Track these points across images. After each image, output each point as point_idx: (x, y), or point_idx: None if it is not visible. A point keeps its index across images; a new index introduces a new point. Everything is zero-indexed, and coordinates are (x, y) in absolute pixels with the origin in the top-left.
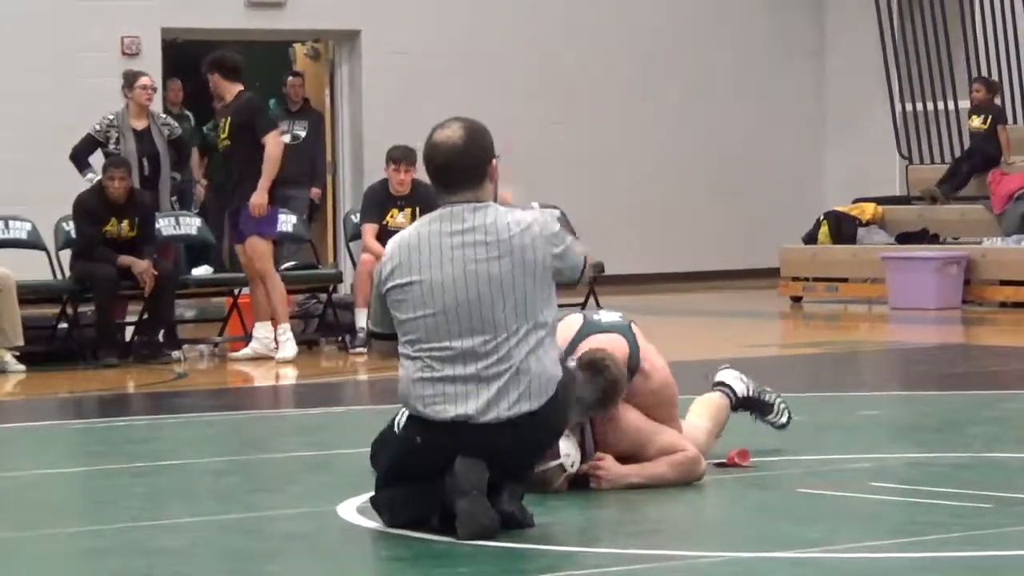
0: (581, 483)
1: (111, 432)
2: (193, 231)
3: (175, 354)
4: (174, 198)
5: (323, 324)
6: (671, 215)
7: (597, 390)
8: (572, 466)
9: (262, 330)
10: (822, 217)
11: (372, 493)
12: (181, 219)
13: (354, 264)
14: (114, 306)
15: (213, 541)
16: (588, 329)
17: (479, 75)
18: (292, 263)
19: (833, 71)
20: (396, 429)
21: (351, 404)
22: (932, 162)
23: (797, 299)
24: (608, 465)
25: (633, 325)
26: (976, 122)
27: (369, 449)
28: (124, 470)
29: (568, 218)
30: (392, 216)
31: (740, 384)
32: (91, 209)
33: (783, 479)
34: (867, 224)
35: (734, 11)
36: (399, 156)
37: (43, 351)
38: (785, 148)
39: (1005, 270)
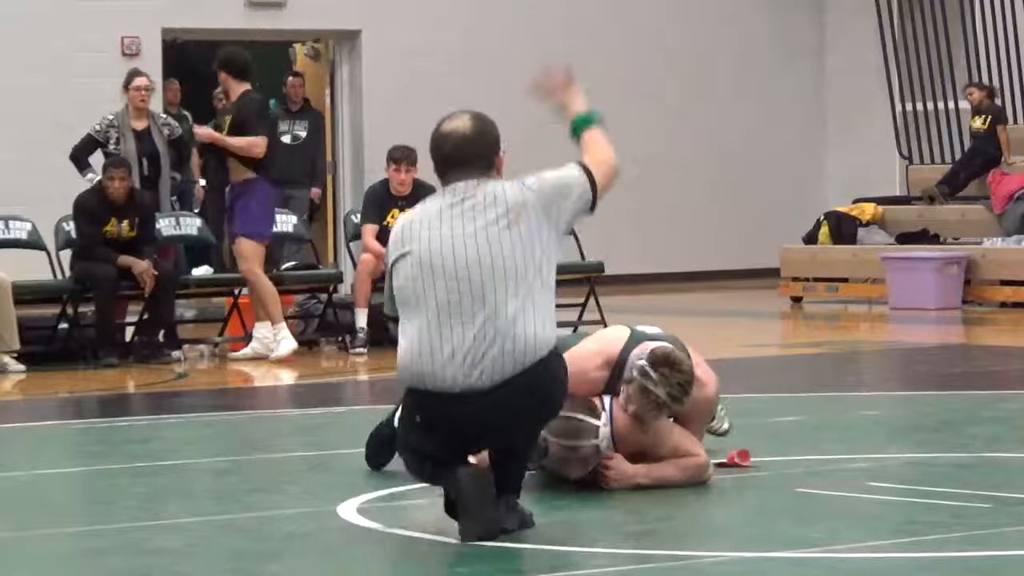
0: (583, 482)
1: (111, 432)
2: (193, 231)
3: (175, 354)
4: (174, 198)
5: (323, 324)
6: (671, 215)
7: (673, 385)
8: (607, 448)
9: (262, 330)
10: (822, 217)
11: (371, 495)
12: (181, 219)
13: (354, 264)
14: (114, 306)
15: (213, 541)
16: (638, 336)
17: (479, 75)
18: (292, 263)
19: (833, 71)
20: (395, 423)
21: (351, 404)
22: (932, 162)
23: (797, 299)
24: (617, 465)
25: (679, 337)
26: (977, 123)
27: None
28: (124, 470)
29: None
30: (393, 216)
31: None
32: (91, 209)
33: (783, 479)
34: (867, 224)
35: (734, 11)
36: (400, 156)
37: (43, 351)
38: (785, 148)
39: (1005, 270)
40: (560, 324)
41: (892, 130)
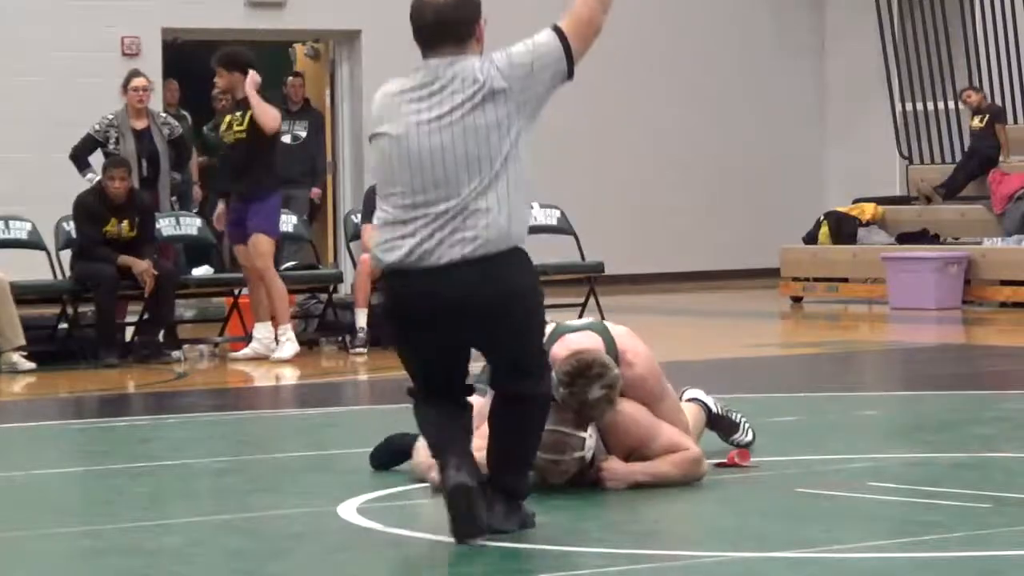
0: (581, 482)
1: (111, 432)
2: (193, 231)
3: (175, 354)
4: (174, 198)
5: (323, 324)
6: (671, 215)
7: (593, 387)
8: (598, 453)
9: (262, 330)
10: (822, 217)
11: (371, 495)
12: (181, 219)
13: (354, 264)
14: (114, 306)
15: (213, 541)
16: (560, 331)
17: None
18: (292, 263)
19: (833, 71)
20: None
21: (351, 404)
22: (932, 162)
23: (797, 299)
24: (611, 466)
25: (608, 323)
26: (975, 121)
27: (369, 449)
28: (124, 470)
29: (568, 218)
30: None
31: (711, 400)
32: (91, 209)
33: (783, 479)
34: (867, 224)
35: (734, 11)
36: None
37: (43, 351)
38: (785, 148)
39: (1005, 270)
40: None
41: (892, 130)
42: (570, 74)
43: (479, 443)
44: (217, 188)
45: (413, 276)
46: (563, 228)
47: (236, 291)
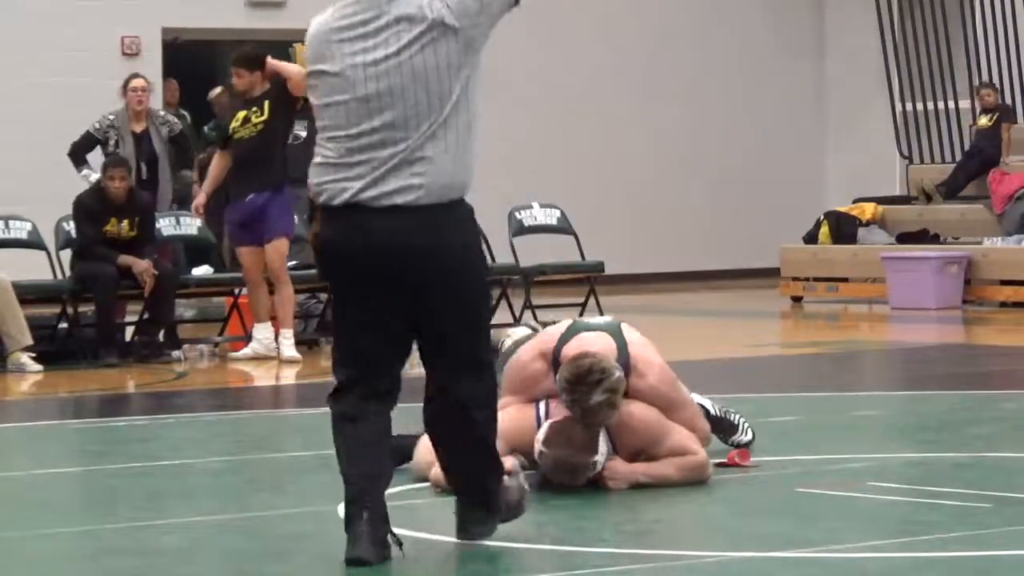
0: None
1: (111, 432)
2: (193, 231)
3: (175, 354)
4: (174, 204)
5: (323, 324)
6: (671, 215)
7: (596, 392)
8: (599, 466)
9: (262, 331)
10: (822, 217)
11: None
12: (181, 219)
13: None
14: (114, 306)
15: (213, 541)
16: (576, 328)
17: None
18: (293, 263)
19: (833, 71)
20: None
21: None
22: (932, 162)
23: (797, 299)
24: (615, 466)
25: (625, 325)
26: (983, 120)
27: None
28: (124, 470)
29: (568, 217)
30: None
31: (708, 403)
32: (91, 209)
33: (783, 479)
34: (867, 224)
35: (734, 11)
36: None
37: (43, 351)
38: (785, 148)
39: (1005, 270)
40: None
41: (892, 130)
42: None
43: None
44: (233, 191)
45: (353, 220)
46: (563, 228)
47: (236, 291)
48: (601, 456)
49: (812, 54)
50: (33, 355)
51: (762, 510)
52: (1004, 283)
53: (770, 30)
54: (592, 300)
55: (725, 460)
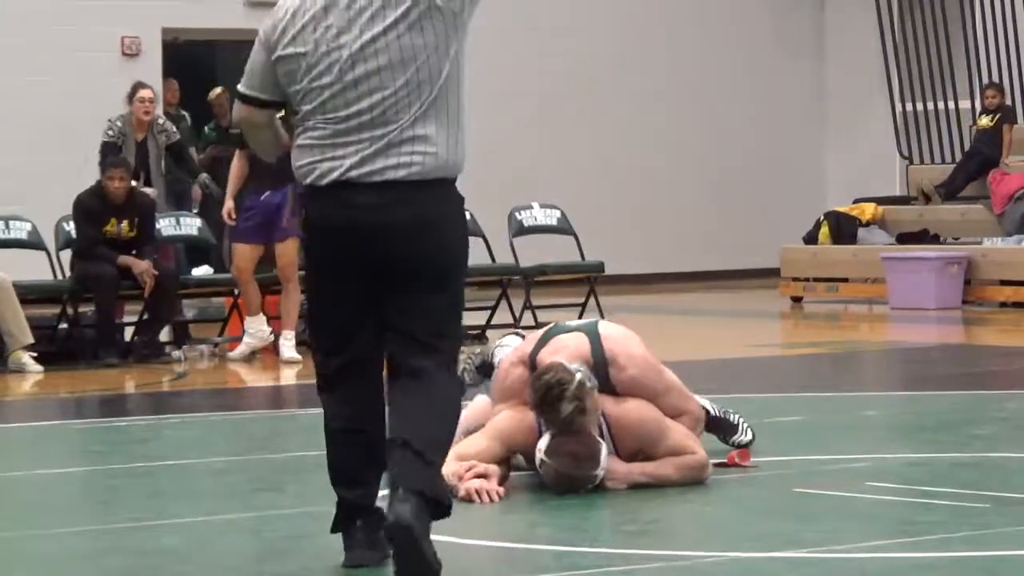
0: None
1: (111, 432)
2: (193, 231)
3: (175, 354)
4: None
5: None
6: (672, 215)
7: (566, 402)
8: (599, 479)
9: (255, 323)
10: (822, 217)
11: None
12: (181, 219)
13: None
14: (114, 306)
15: (213, 541)
16: (552, 332)
17: (478, 75)
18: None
19: (833, 71)
20: None
21: None
22: (932, 162)
23: (797, 299)
24: (613, 466)
25: (602, 323)
26: (984, 120)
27: None
28: (124, 470)
29: (568, 218)
30: None
31: (708, 404)
32: (91, 209)
33: (783, 479)
34: (867, 224)
35: (734, 11)
36: None
37: (44, 351)
38: (785, 148)
39: (1005, 270)
40: None
41: (892, 130)
42: None
43: (463, 450)
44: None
45: (341, 196)
46: (563, 228)
47: (236, 291)
48: (602, 470)
49: (812, 54)
50: (34, 355)
51: (762, 510)
52: (1004, 283)
53: (770, 30)
54: (592, 300)
55: (725, 460)
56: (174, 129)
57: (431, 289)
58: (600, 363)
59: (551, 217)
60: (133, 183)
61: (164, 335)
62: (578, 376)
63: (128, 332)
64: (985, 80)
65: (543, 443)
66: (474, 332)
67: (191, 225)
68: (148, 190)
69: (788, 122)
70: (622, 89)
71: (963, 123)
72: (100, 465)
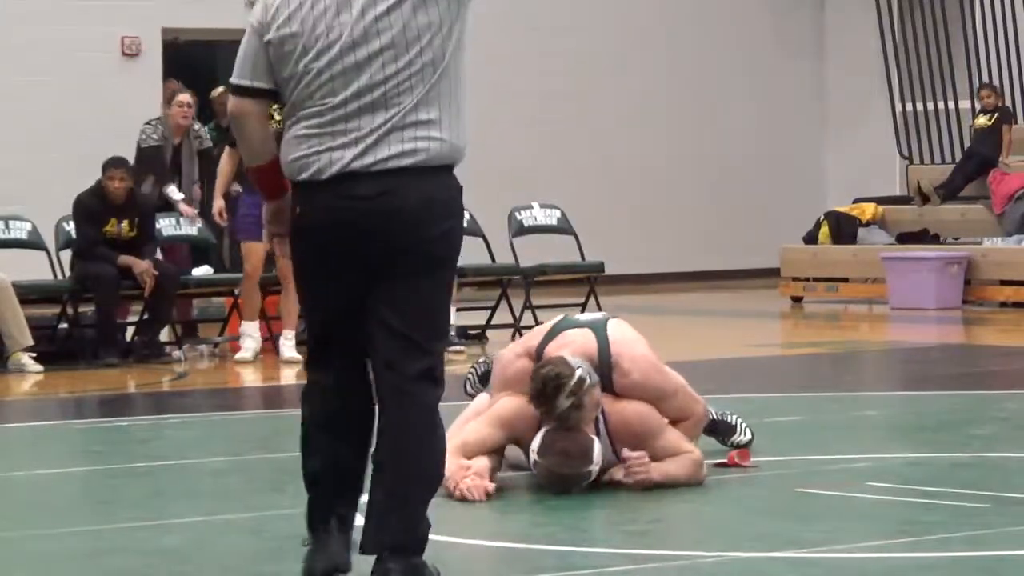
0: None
1: (111, 432)
2: (193, 231)
3: (175, 354)
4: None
5: None
6: (672, 215)
7: (563, 399)
8: (593, 475)
9: (252, 328)
10: (822, 217)
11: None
12: (181, 219)
13: None
14: (114, 306)
15: (213, 541)
16: (561, 325)
17: (479, 75)
18: None
19: (833, 71)
20: None
21: None
22: (932, 162)
23: (797, 299)
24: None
25: (612, 322)
26: (982, 120)
27: (370, 449)
28: (124, 470)
29: (568, 218)
30: None
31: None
32: (91, 209)
33: (783, 479)
34: (867, 224)
35: (734, 11)
36: None
37: (44, 351)
38: (785, 148)
39: (1005, 270)
40: None
41: (892, 130)
42: None
43: (466, 438)
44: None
45: (343, 188)
46: (563, 228)
47: (236, 291)
48: (595, 466)
49: (812, 54)
50: (33, 355)
51: (762, 510)
52: (1004, 283)
53: (770, 30)
54: (592, 300)
55: (725, 460)
56: (207, 136)
57: (426, 278)
58: (605, 364)
59: (551, 217)
60: (173, 189)
61: (164, 335)
62: (578, 372)
63: (128, 332)
64: (985, 80)
65: (536, 442)
66: (474, 332)
67: (191, 225)
68: (178, 195)
69: (788, 122)
70: (622, 89)
71: (963, 123)
72: (100, 465)
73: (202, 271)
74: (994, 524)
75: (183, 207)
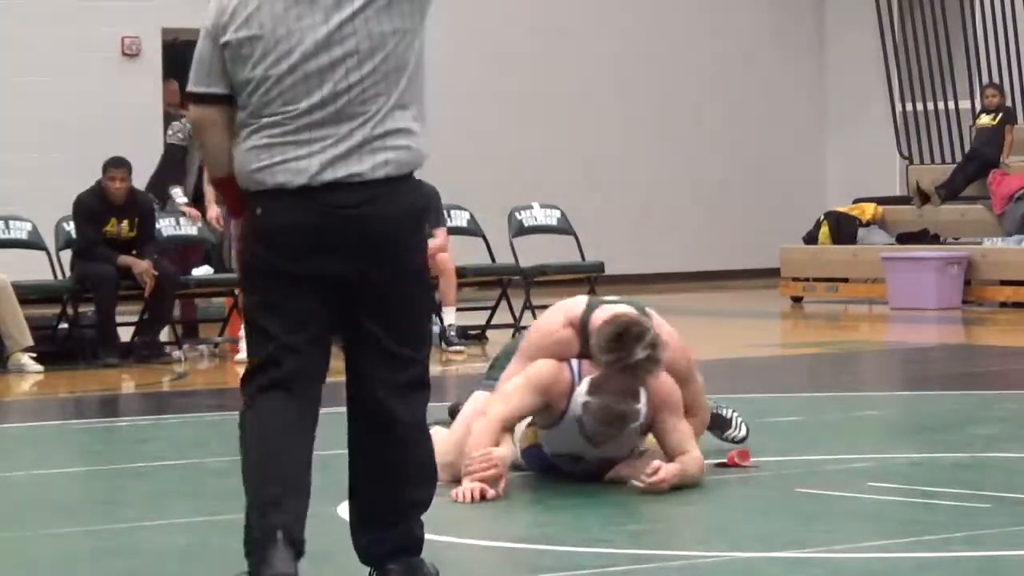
0: (582, 481)
1: (111, 432)
2: (193, 231)
3: (175, 354)
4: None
5: None
6: (671, 215)
7: (644, 344)
8: (641, 415)
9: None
10: (822, 217)
11: None
12: (181, 219)
13: None
14: (114, 306)
15: (213, 541)
16: (597, 302)
17: (479, 75)
18: None
19: (833, 70)
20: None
21: None
22: (932, 162)
23: (797, 299)
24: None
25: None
26: (984, 119)
27: None
28: (124, 470)
29: (568, 218)
30: None
31: None
32: (91, 209)
33: (783, 479)
34: (867, 224)
35: (734, 11)
36: None
37: (43, 351)
38: (785, 148)
39: (1005, 270)
40: None
41: (892, 130)
42: None
43: (507, 410)
44: None
45: (313, 199)
46: (563, 228)
47: (236, 291)
48: (643, 406)
49: (812, 54)
50: (33, 355)
51: (762, 510)
52: (1004, 283)
53: (770, 29)
54: None
55: (725, 460)
56: None
57: (412, 288)
58: None
59: (551, 217)
60: (178, 192)
61: (164, 335)
62: (655, 331)
63: (129, 332)
64: (985, 80)
65: (583, 386)
66: (474, 332)
67: (191, 225)
68: (181, 198)
69: (788, 122)
70: (622, 89)
71: (963, 123)
72: (100, 465)
73: (202, 271)
74: (994, 524)
75: (186, 210)
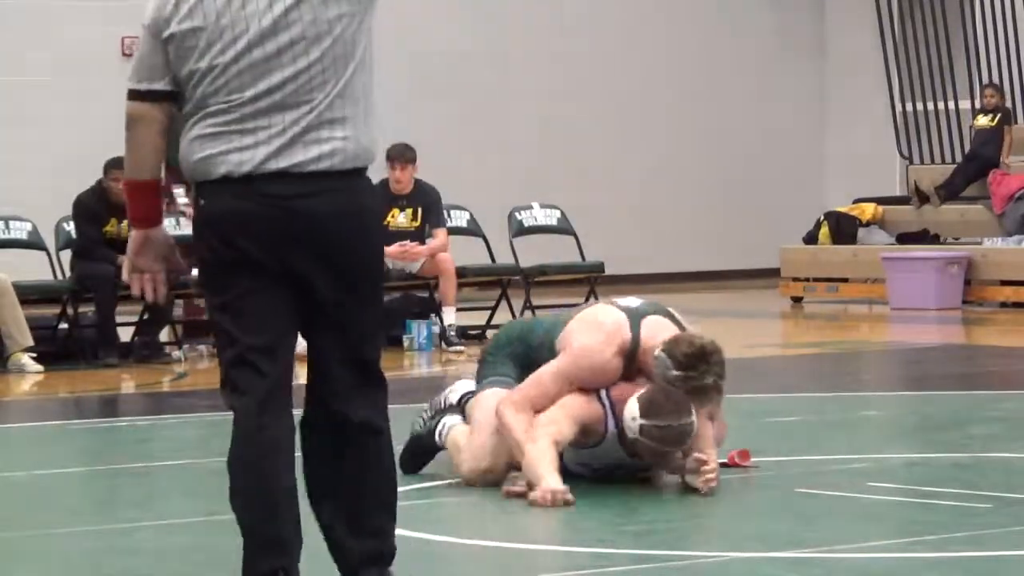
0: (581, 480)
1: (111, 432)
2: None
3: (175, 354)
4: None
5: None
6: (672, 215)
7: (713, 369)
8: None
9: None
10: (822, 217)
11: None
12: (182, 219)
13: None
14: (114, 306)
15: (213, 541)
16: (635, 315)
17: (480, 75)
18: None
19: (833, 71)
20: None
21: None
22: (932, 162)
23: (797, 299)
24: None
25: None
26: (983, 120)
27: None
28: (124, 470)
29: (568, 218)
30: (393, 216)
31: None
32: (91, 209)
33: (783, 479)
34: (867, 224)
35: (735, 11)
36: (394, 154)
37: (43, 351)
38: (785, 148)
39: (1005, 270)
40: None
41: (892, 130)
42: None
43: (559, 434)
44: None
45: (256, 188)
46: (563, 228)
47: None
48: (695, 416)
49: (812, 54)
50: (33, 355)
51: (762, 510)
52: (1004, 283)
53: (770, 30)
54: (592, 301)
55: (725, 460)
56: None
57: (369, 292)
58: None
59: (551, 217)
60: (180, 192)
61: (164, 335)
62: (724, 360)
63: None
64: (985, 80)
65: (633, 408)
66: (474, 332)
67: (190, 225)
68: (183, 199)
69: (788, 122)
70: (622, 89)
71: (963, 123)
72: (100, 465)
73: None
74: (994, 524)
75: (187, 210)
